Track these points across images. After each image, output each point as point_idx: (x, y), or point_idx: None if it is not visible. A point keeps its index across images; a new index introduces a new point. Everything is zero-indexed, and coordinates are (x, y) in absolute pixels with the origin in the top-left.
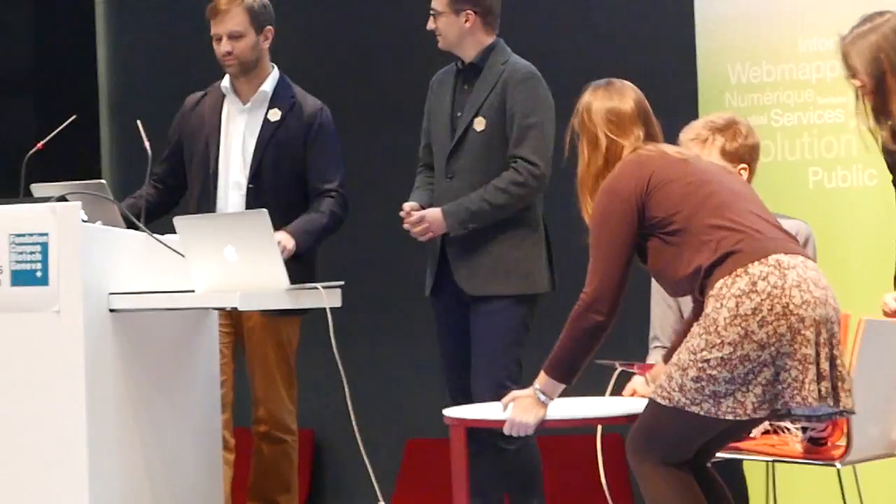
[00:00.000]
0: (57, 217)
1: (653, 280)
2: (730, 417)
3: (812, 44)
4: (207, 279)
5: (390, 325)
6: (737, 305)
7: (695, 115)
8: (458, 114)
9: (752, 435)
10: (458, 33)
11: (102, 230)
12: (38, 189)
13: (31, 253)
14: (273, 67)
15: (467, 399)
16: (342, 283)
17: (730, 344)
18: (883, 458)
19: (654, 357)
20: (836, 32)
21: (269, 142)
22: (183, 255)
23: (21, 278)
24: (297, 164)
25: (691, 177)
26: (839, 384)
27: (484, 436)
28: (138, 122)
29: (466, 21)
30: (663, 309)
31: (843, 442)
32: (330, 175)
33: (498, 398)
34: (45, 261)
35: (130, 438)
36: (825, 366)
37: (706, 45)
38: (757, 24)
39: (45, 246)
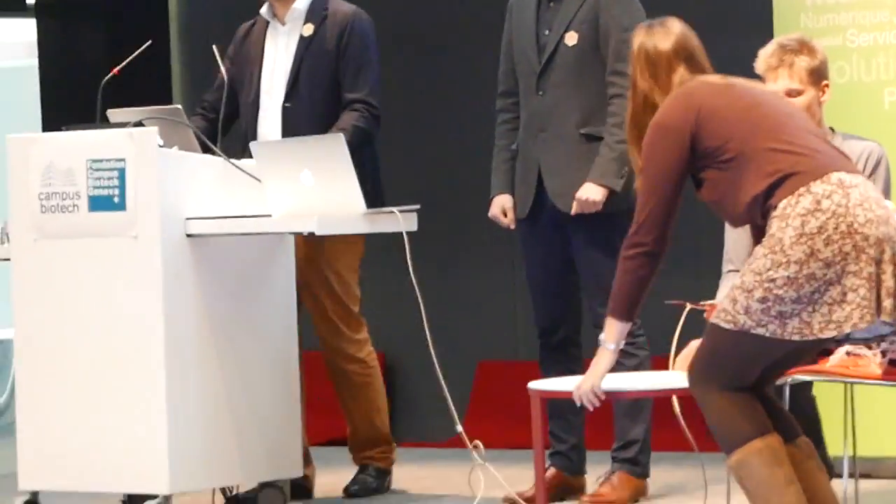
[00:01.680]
0: (134, 142)
1: None
2: (796, 338)
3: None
4: (284, 204)
5: (460, 248)
6: (802, 224)
7: (770, 37)
8: (546, 31)
9: (830, 362)
10: None
11: (179, 155)
12: (114, 115)
13: (109, 178)
14: None
15: (556, 324)
16: (418, 206)
17: (796, 262)
18: None
19: (727, 283)
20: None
21: (304, 58)
22: (259, 181)
23: (99, 203)
24: (335, 77)
25: (742, 100)
26: None
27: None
28: (214, 47)
29: None
30: (738, 233)
31: None
32: (358, 85)
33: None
34: (122, 186)
35: (208, 362)
36: (890, 283)
37: None
38: None
39: (122, 171)
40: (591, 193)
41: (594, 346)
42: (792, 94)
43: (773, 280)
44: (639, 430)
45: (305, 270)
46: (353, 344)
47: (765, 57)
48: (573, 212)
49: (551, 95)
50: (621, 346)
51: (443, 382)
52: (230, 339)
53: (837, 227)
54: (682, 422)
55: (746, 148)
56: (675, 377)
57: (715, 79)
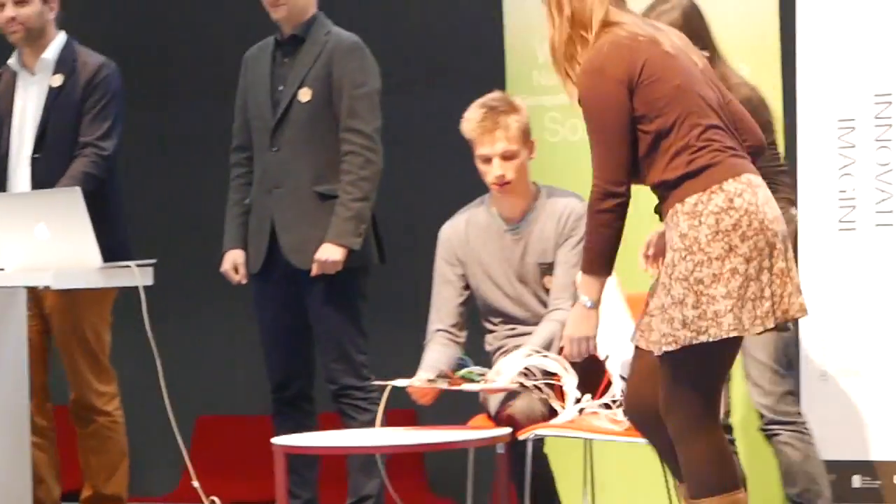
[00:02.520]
0: None
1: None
2: (734, 334)
3: None
4: (18, 257)
5: (199, 302)
6: (717, 222)
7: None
8: (280, 87)
9: (563, 419)
10: (304, 4)
11: None
12: None
13: None
14: (59, 33)
15: (289, 378)
16: (154, 260)
17: (717, 258)
18: None
19: (435, 346)
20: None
21: (52, 108)
22: None
23: None
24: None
25: (678, 78)
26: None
27: None
28: None
29: None
30: (448, 292)
31: None
32: (91, 129)
33: (350, 372)
34: None
35: None
36: (798, 280)
37: (513, 22)
38: None
39: None
40: (331, 254)
41: (328, 400)
42: (507, 155)
43: (700, 281)
44: (372, 486)
45: (55, 320)
46: (101, 396)
47: (477, 121)
48: (313, 273)
49: (285, 151)
50: (599, 305)
51: (179, 437)
52: None
53: (751, 224)
54: (387, 479)
55: (671, 131)
56: (408, 434)
57: (662, 38)
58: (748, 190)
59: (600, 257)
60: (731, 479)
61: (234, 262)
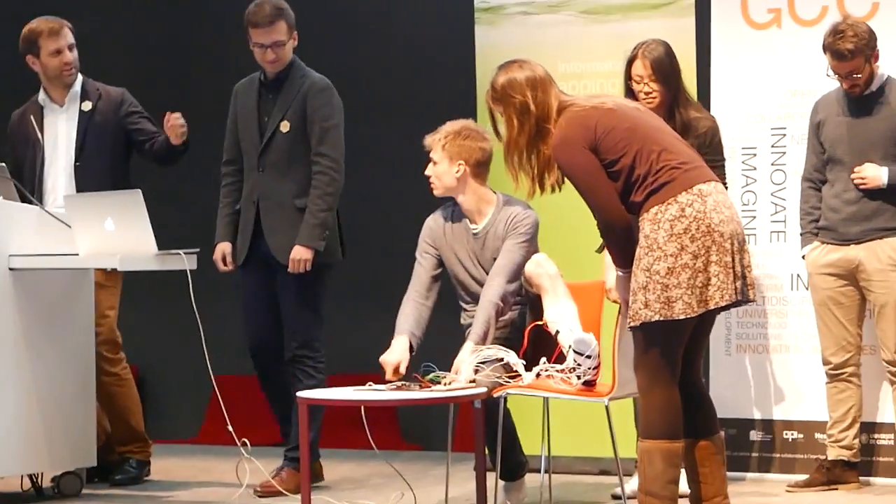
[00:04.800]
0: None
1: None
2: (681, 317)
3: (569, 66)
4: (90, 245)
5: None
6: (671, 227)
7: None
8: (266, 118)
9: (526, 381)
10: (288, 55)
11: (1, 203)
12: None
13: None
14: (79, 74)
15: (262, 344)
16: (198, 249)
17: (671, 255)
18: (633, 395)
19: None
20: (590, 59)
21: (88, 126)
22: (69, 226)
23: None
24: (116, 137)
25: (625, 122)
26: (747, 282)
27: None
28: None
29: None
30: (422, 266)
31: (607, 381)
32: (143, 140)
33: (305, 345)
34: None
35: (22, 371)
36: (738, 268)
37: (483, 67)
38: (527, 51)
39: None
40: (302, 254)
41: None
42: (434, 161)
43: (658, 272)
44: (311, 434)
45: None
46: (110, 362)
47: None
48: (290, 269)
49: (269, 172)
50: (630, 275)
51: (217, 389)
52: (40, 353)
53: (699, 228)
54: (367, 429)
55: (634, 164)
56: (406, 393)
57: (596, 102)
58: (698, 200)
59: (625, 259)
60: (674, 431)
61: (223, 252)
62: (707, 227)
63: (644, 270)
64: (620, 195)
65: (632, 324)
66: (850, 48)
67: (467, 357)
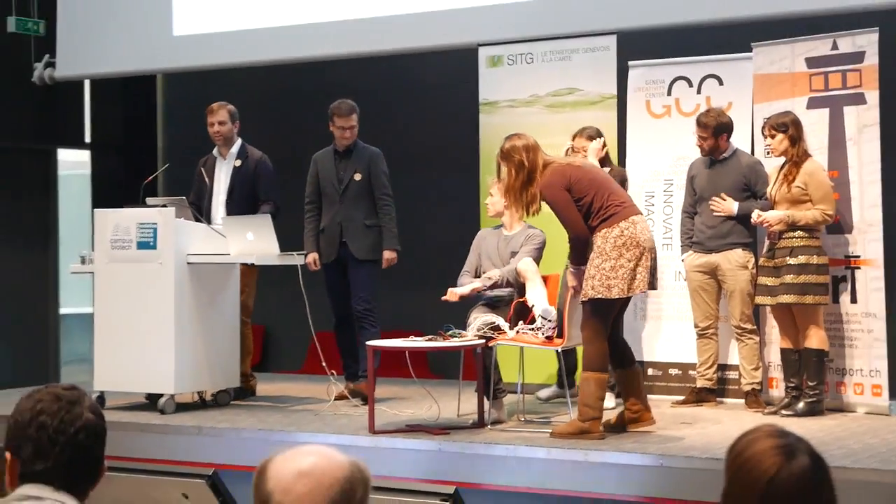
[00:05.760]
0: (162, 215)
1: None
2: (617, 296)
3: (539, 140)
4: (237, 248)
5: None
6: (614, 241)
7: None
8: (342, 172)
9: (509, 336)
10: (354, 136)
11: (183, 222)
12: (151, 200)
13: (149, 232)
14: (238, 139)
15: (341, 314)
16: (305, 251)
17: (613, 258)
18: (577, 346)
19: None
20: (551, 136)
21: (236, 177)
22: (224, 236)
23: (143, 245)
24: (254, 187)
25: (587, 176)
26: (655, 277)
27: None
28: (159, 171)
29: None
30: (471, 258)
31: (561, 337)
32: (266, 193)
33: (367, 306)
34: (154, 237)
35: (195, 323)
36: (652, 269)
37: (485, 140)
38: (512, 130)
39: (155, 229)
40: (390, 255)
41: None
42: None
43: (603, 268)
44: (364, 365)
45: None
46: (243, 323)
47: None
48: (384, 266)
49: (346, 204)
50: (583, 273)
51: (315, 339)
52: (206, 313)
53: (632, 243)
54: (409, 362)
55: (593, 201)
56: (437, 342)
57: (567, 161)
58: (631, 226)
59: (581, 259)
60: (604, 366)
61: (314, 258)
62: (637, 243)
63: (595, 267)
64: (584, 219)
65: (583, 299)
66: (703, 119)
67: (473, 322)
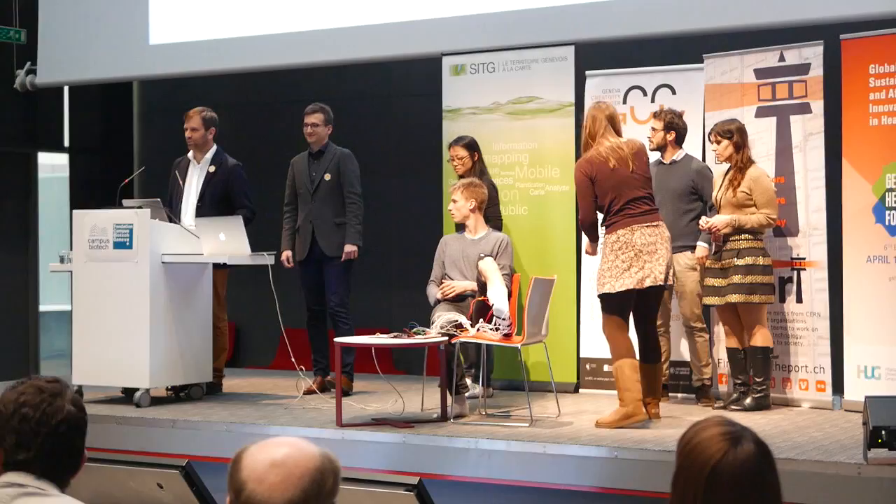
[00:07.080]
0: (137, 216)
1: None
2: (622, 290)
3: (499, 146)
4: (210, 249)
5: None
6: (613, 244)
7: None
8: (314, 173)
9: (470, 334)
10: (324, 138)
11: (158, 223)
12: (127, 202)
13: (125, 233)
14: (214, 145)
15: (315, 306)
16: (276, 252)
17: (614, 259)
18: (537, 342)
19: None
20: (511, 142)
21: (209, 183)
22: (198, 237)
23: (119, 245)
24: (225, 193)
25: (611, 179)
26: (667, 275)
27: None
28: (135, 174)
29: (329, 132)
30: (437, 266)
31: (521, 334)
32: (241, 201)
33: (340, 304)
34: (131, 237)
35: (169, 319)
36: (663, 266)
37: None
38: (474, 137)
39: (131, 230)
40: (350, 248)
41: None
42: (454, 200)
43: (602, 269)
44: (349, 358)
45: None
46: (217, 318)
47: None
48: (343, 258)
49: (317, 203)
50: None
51: (284, 335)
52: (180, 310)
53: (627, 246)
54: (375, 361)
55: (607, 205)
56: (402, 338)
57: (608, 156)
58: (629, 233)
59: (593, 236)
60: (630, 352)
61: (287, 255)
62: (633, 247)
63: (598, 269)
64: (603, 215)
65: (598, 293)
66: (659, 114)
67: (437, 321)
